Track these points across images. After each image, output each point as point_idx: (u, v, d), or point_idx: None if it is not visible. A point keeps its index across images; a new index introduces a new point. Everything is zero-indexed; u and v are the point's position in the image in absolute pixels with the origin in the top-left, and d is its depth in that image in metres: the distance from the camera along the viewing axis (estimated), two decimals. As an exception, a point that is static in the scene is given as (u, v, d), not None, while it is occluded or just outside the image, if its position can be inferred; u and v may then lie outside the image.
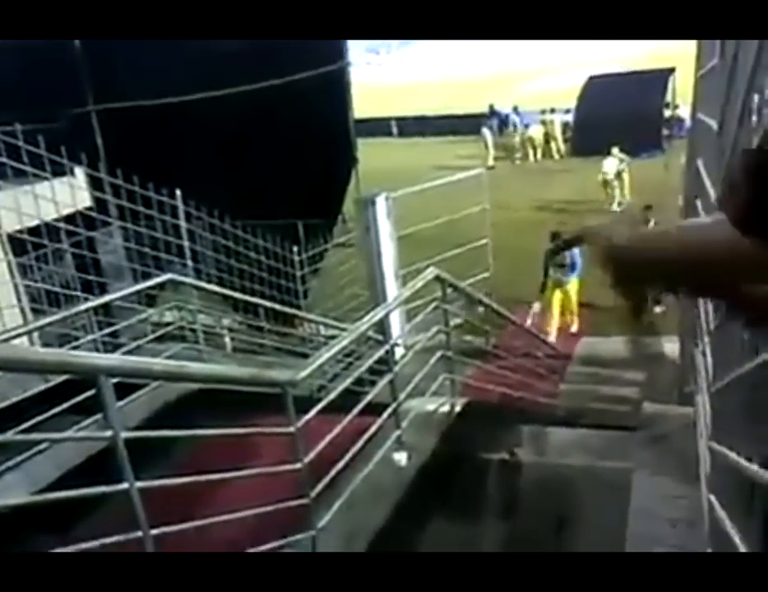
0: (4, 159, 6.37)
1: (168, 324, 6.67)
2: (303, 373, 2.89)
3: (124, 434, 2.18)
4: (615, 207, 16.75)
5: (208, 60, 8.70)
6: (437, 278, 4.41)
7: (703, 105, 4.44)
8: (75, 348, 5.30)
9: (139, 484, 2.25)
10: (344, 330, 7.96)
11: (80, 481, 2.27)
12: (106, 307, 8.23)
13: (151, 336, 5.57)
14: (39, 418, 4.05)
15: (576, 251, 8.92)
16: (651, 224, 9.21)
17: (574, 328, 10.42)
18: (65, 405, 4.15)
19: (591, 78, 25.08)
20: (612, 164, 16.62)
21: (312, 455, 2.96)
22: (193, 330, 6.33)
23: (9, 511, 2.16)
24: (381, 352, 3.71)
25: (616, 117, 20.68)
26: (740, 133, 2.32)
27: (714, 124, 3.17)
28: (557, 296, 10.23)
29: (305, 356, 7.57)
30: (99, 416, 3.21)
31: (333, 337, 8.01)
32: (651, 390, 6.75)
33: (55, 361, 1.96)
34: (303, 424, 2.97)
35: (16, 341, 4.13)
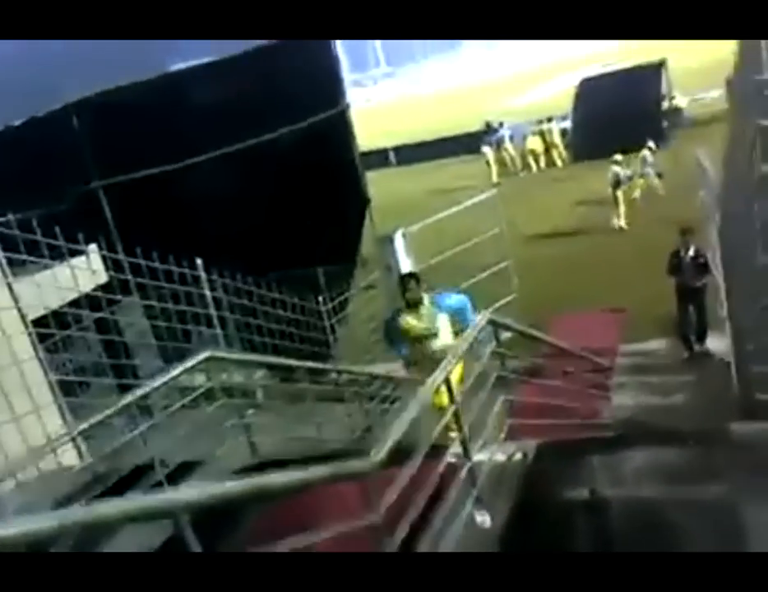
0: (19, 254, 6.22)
1: (196, 388, 6.50)
2: (380, 456, 2.73)
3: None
4: (617, 225, 15.46)
5: (207, 120, 8.67)
6: (491, 322, 4.24)
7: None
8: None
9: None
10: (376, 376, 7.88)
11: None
12: (136, 377, 8.18)
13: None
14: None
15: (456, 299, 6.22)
16: (691, 251, 8.41)
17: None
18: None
19: (583, 80, 25.02)
20: (617, 172, 15.67)
21: (396, 541, 2.75)
22: (225, 390, 6.16)
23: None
24: (449, 414, 3.52)
25: (614, 117, 20.56)
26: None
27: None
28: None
29: (341, 400, 7.45)
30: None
31: (372, 380, 7.91)
32: (705, 396, 6.50)
33: (132, 508, 1.81)
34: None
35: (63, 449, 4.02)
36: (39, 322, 6.33)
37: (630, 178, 15.88)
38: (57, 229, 6.32)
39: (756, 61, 3.88)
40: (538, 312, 9.83)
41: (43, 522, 1.57)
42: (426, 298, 6.03)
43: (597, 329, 9.85)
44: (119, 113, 9.02)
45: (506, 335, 6.50)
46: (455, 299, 6.25)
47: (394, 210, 15.19)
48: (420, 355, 6.10)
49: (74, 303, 6.83)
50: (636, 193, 17.17)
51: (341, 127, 8.73)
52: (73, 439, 4.26)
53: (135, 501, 1.86)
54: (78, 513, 1.68)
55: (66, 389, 6.48)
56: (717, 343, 7.82)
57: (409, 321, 6.09)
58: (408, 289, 5.98)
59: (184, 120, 8.64)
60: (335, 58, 8.61)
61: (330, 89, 8.67)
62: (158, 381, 4.49)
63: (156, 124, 8.57)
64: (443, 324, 6.05)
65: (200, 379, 6.88)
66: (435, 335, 6.01)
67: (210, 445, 5.36)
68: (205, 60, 8.82)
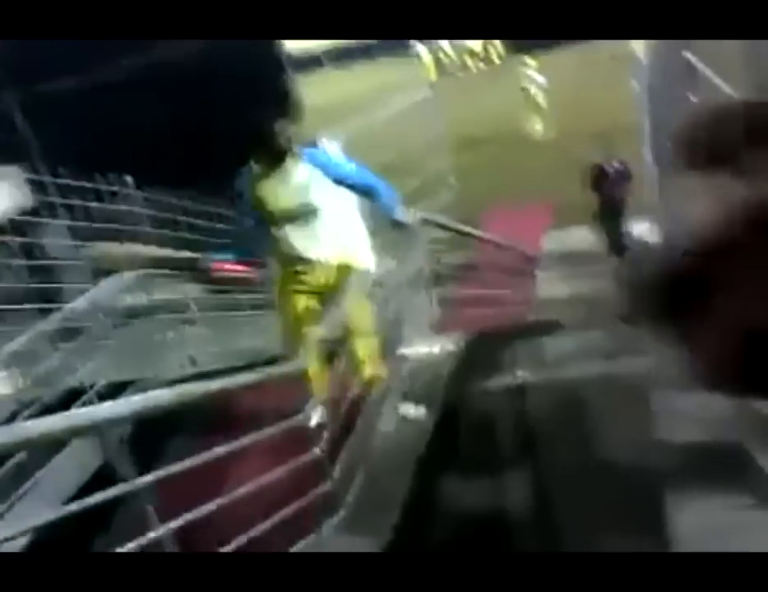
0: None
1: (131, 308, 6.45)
2: (309, 360, 2.78)
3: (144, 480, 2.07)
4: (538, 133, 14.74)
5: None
6: (424, 221, 4.26)
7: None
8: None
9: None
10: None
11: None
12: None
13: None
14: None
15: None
16: (615, 162, 8.40)
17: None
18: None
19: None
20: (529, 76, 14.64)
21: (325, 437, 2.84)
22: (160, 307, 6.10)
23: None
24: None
25: None
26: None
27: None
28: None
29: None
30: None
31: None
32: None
33: (58, 429, 1.83)
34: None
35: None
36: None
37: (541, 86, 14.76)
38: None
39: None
40: (472, 211, 9.85)
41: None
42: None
43: (524, 221, 9.90)
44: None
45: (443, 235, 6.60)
46: (348, 168, 3.86)
47: (330, 113, 14.80)
48: (285, 259, 3.77)
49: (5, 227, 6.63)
50: None
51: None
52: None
53: (57, 419, 1.87)
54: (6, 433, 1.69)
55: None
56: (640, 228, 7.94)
57: (273, 186, 3.66)
58: (269, 128, 3.59)
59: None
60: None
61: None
62: (79, 301, 4.43)
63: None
64: (325, 192, 3.68)
65: (131, 299, 6.80)
66: (315, 208, 3.68)
67: (146, 363, 5.33)
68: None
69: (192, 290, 6.73)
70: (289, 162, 3.69)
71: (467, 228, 6.14)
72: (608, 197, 8.44)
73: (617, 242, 8.47)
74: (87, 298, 4.77)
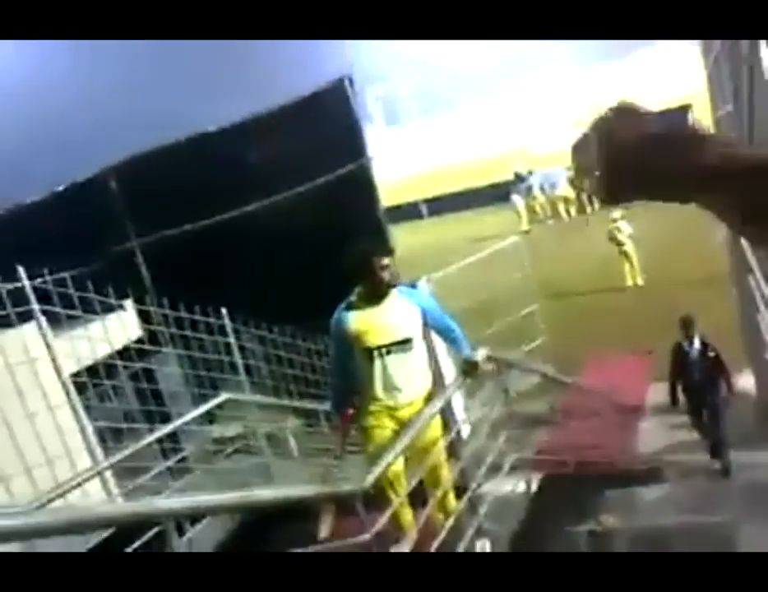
0: (56, 308, 6.50)
1: (231, 439, 6.72)
2: (371, 479, 2.82)
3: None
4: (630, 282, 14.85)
5: (233, 177, 9.08)
6: (489, 358, 4.35)
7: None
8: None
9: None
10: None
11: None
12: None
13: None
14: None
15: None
16: (696, 343, 6.86)
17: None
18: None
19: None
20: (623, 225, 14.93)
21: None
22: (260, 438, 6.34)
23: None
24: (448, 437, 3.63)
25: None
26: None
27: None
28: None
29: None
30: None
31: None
32: (733, 430, 6.44)
33: (113, 514, 1.96)
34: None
35: (90, 483, 4.20)
36: (82, 374, 6.62)
37: (630, 236, 15.08)
38: (92, 285, 6.66)
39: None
40: (563, 358, 9.80)
41: (34, 518, 1.70)
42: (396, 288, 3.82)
43: (627, 370, 9.79)
44: (153, 175, 9.46)
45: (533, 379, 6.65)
46: (426, 297, 4.15)
47: (423, 259, 15.37)
48: (382, 396, 3.74)
49: (117, 355, 7.14)
50: None
51: (364, 179, 9.01)
52: (102, 480, 4.45)
53: (126, 505, 2.02)
54: (76, 512, 1.83)
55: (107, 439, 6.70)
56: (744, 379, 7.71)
57: (370, 318, 3.70)
58: (378, 268, 3.69)
59: (210, 180, 9.03)
60: (355, 112, 8.97)
61: (351, 143, 8.99)
62: (176, 423, 4.67)
63: (186, 184, 8.96)
64: (418, 328, 3.81)
65: (234, 429, 7.09)
66: (410, 343, 3.74)
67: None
68: (232, 122, 9.28)
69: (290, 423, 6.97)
70: (391, 297, 3.78)
71: (551, 372, 6.16)
72: (692, 388, 6.84)
73: (707, 437, 6.75)
74: (185, 421, 5.01)
